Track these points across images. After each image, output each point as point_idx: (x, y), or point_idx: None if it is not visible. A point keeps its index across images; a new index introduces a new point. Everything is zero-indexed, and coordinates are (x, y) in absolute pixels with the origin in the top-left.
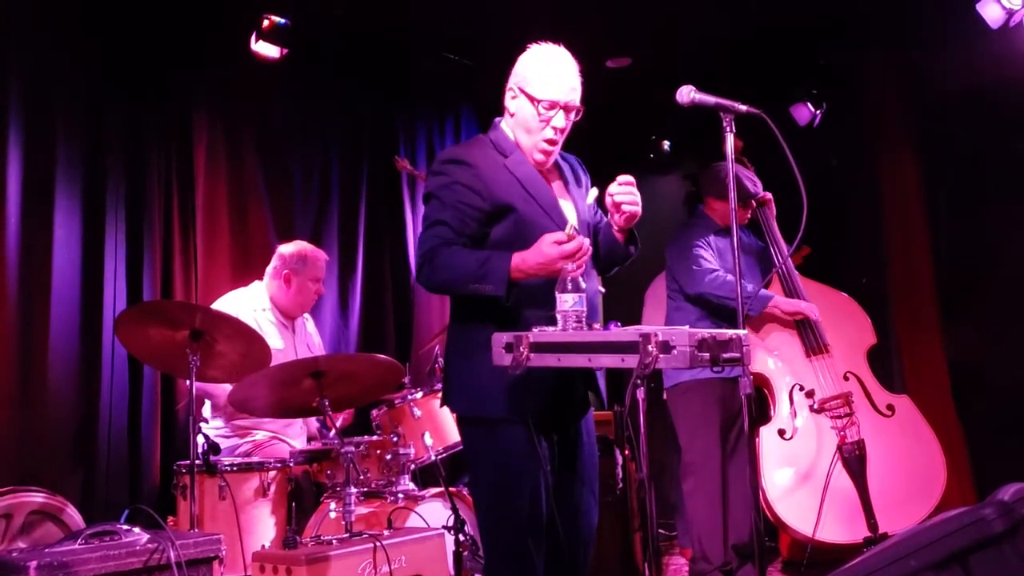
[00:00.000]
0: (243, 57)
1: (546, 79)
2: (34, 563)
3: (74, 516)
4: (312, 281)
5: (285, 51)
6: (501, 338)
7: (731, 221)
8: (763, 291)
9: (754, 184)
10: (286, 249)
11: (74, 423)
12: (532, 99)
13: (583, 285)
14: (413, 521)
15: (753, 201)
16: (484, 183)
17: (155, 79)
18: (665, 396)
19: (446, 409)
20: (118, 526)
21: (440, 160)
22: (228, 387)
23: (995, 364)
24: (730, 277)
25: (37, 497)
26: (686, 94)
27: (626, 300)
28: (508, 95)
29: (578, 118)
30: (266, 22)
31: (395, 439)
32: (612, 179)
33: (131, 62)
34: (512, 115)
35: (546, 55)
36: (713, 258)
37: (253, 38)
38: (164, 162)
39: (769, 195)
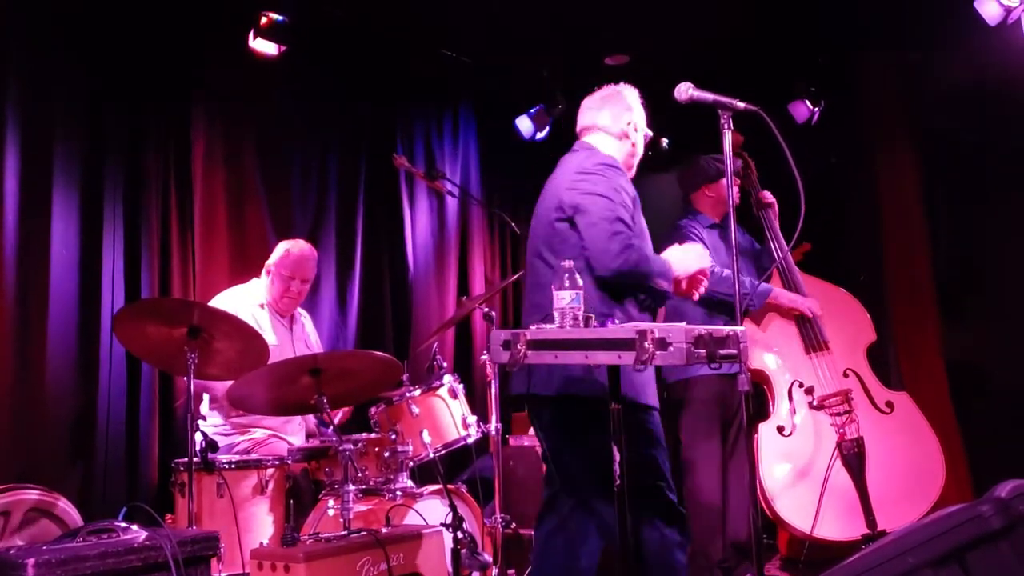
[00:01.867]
0: (241, 54)
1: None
2: (32, 561)
3: (72, 513)
4: (288, 276)
5: (283, 48)
6: (499, 335)
7: (728, 208)
8: (763, 285)
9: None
10: (278, 244)
11: (72, 421)
12: (645, 135)
13: (580, 282)
14: (411, 518)
15: (736, 177)
16: (630, 189)
17: (153, 76)
18: (664, 393)
19: (444, 406)
20: (116, 523)
21: (598, 163)
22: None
23: (993, 362)
24: (725, 271)
25: (35, 494)
26: (684, 91)
27: None
28: (629, 127)
29: None
30: (264, 19)
31: (393, 437)
32: None
33: (129, 59)
34: (633, 145)
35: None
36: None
37: (251, 35)
38: (162, 159)
39: (772, 199)
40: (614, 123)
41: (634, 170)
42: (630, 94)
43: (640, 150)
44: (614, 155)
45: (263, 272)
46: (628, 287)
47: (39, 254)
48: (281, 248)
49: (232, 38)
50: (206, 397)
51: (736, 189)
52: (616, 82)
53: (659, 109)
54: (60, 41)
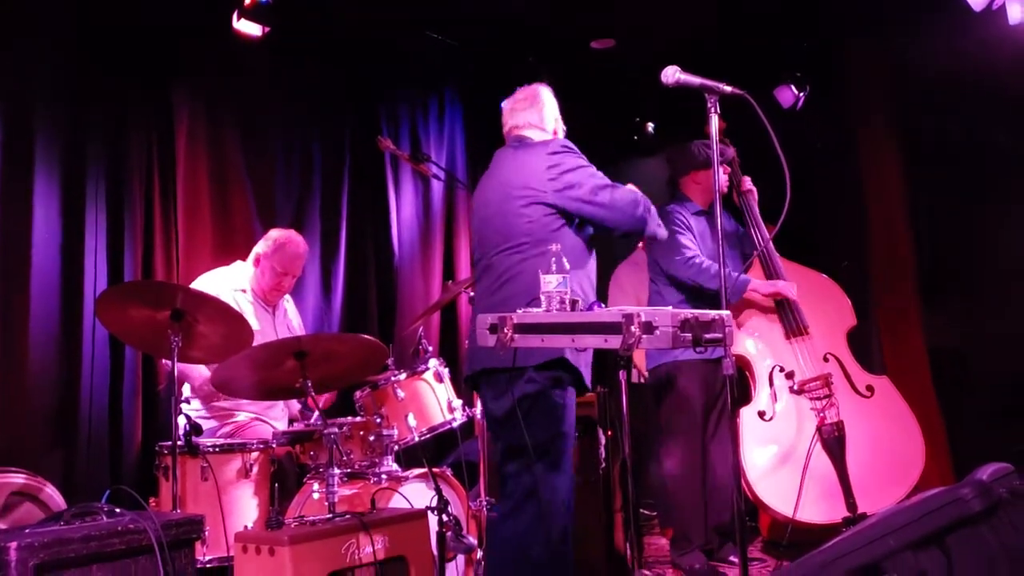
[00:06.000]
0: (225, 36)
1: None
2: (15, 544)
3: (55, 497)
4: (278, 270)
5: (267, 29)
6: (486, 319)
7: (714, 198)
8: (741, 276)
9: (725, 150)
10: (271, 232)
11: (55, 404)
12: (563, 132)
13: (567, 267)
14: (396, 502)
15: (728, 166)
16: None
17: (135, 57)
18: (647, 377)
19: (430, 390)
20: (99, 507)
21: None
22: (204, 369)
23: (974, 346)
24: (707, 262)
25: (17, 478)
26: (671, 75)
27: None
28: (557, 124)
29: None
30: (248, 0)
31: (379, 420)
32: (596, 161)
33: (110, 40)
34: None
35: None
36: (692, 242)
37: (235, 16)
38: (144, 141)
39: (752, 187)
40: (543, 122)
41: None
42: (548, 93)
43: None
44: None
45: (251, 260)
46: None
47: (21, 235)
48: (274, 240)
49: (215, 19)
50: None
51: (725, 177)
52: (530, 82)
53: (645, 93)
54: (40, 22)
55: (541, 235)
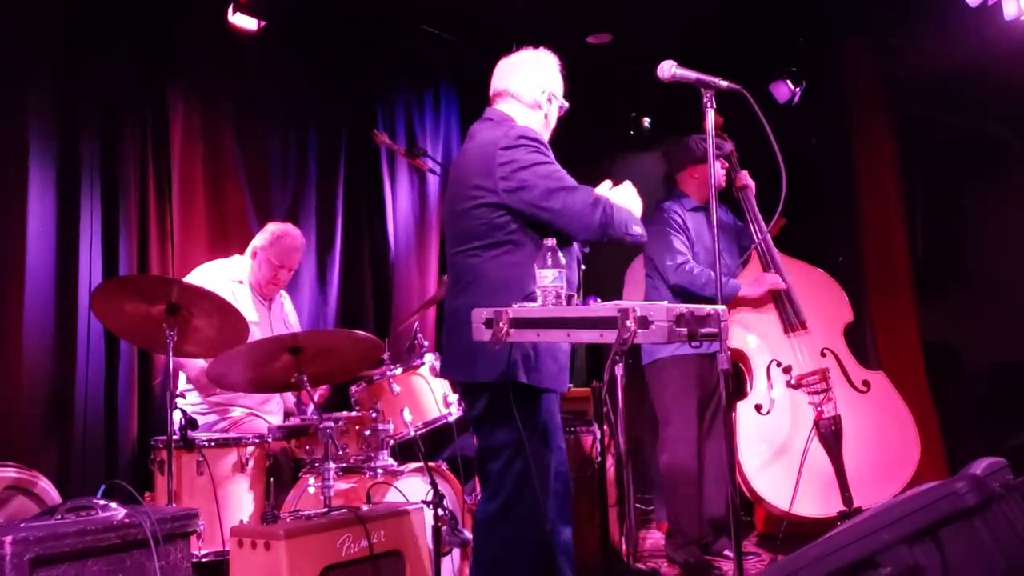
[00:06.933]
0: (220, 29)
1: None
2: (9, 538)
3: (49, 491)
4: (275, 263)
5: (263, 23)
6: (481, 314)
7: (710, 194)
8: (731, 282)
9: (723, 144)
10: (268, 225)
11: (50, 398)
12: (560, 107)
13: (563, 260)
14: (392, 496)
15: (726, 160)
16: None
17: (130, 50)
18: (643, 372)
19: (425, 385)
20: (95, 501)
21: (518, 136)
22: (201, 362)
23: (968, 342)
24: (697, 268)
25: (11, 472)
26: (667, 69)
27: (604, 278)
28: (542, 96)
29: None
30: None
31: (374, 415)
32: (592, 156)
33: (105, 33)
34: (546, 116)
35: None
36: (685, 244)
37: (230, 10)
38: (139, 134)
39: (750, 181)
40: (526, 91)
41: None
42: (547, 60)
43: (553, 122)
44: (528, 126)
45: (248, 253)
46: None
47: (16, 231)
48: (271, 233)
49: (211, 12)
50: (183, 375)
51: (722, 172)
52: (537, 46)
53: (641, 88)
54: (34, 13)
55: (496, 238)
